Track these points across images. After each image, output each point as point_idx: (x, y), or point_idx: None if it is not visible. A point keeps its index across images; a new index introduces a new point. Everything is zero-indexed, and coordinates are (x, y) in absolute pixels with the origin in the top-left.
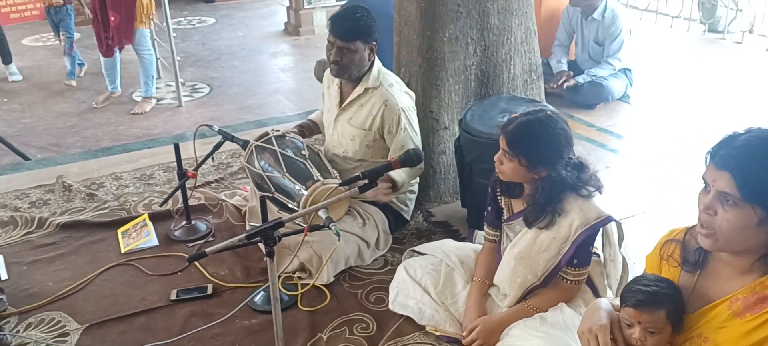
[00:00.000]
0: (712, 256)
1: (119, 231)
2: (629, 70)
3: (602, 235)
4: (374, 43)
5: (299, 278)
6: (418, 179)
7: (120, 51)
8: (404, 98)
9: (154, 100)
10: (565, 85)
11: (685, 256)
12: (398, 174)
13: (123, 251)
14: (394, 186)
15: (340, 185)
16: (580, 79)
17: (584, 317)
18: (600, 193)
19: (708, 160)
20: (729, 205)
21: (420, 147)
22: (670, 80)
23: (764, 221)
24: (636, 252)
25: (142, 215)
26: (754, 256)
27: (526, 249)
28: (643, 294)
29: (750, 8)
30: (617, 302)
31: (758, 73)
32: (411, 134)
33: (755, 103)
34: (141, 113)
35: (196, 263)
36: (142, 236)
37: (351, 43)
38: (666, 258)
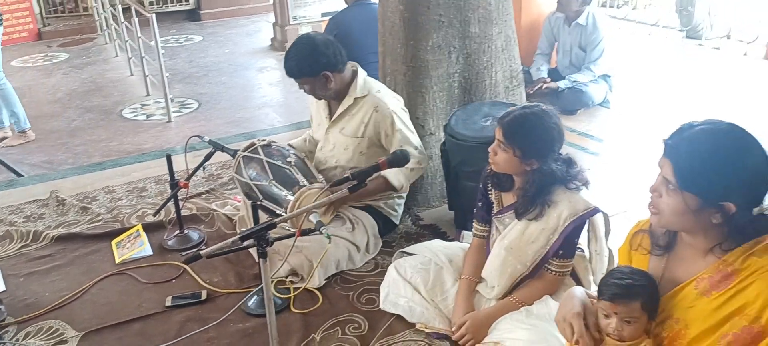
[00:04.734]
0: (679, 239)
1: (113, 242)
2: (609, 76)
3: (588, 230)
4: (325, 72)
5: (291, 282)
6: None
7: None
8: (393, 101)
9: (31, 134)
10: (544, 86)
11: (655, 242)
12: (394, 176)
13: (117, 261)
14: (393, 188)
15: (330, 186)
16: (562, 84)
17: (560, 306)
18: (587, 188)
19: (663, 146)
20: (670, 190)
21: (420, 145)
22: (649, 86)
23: (701, 208)
24: (616, 248)
25: (136, 225)
26: (711, 238)
27: (516, 240)
28: (618, 287)
29: (726, 14)
30: (595, 292)
31: (735, 77)
32: (407, 134)
33: (731, 107)
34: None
35: (189, 270)
36: (136, 246)
37: (299, 80)
38: (635, 248)
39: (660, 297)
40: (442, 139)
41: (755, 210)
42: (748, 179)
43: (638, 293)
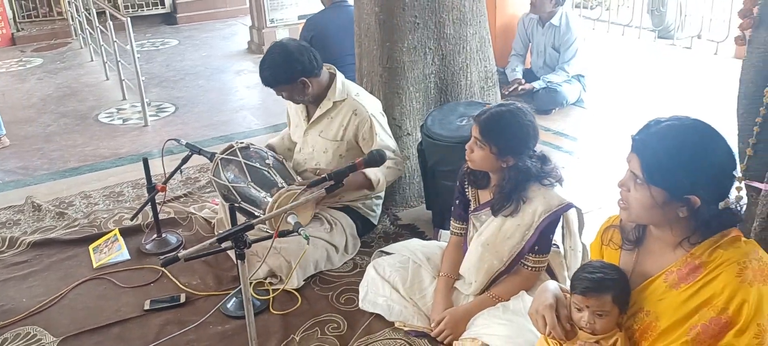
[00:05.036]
0: (648, 233)
1: (90, 247)
2: (582, 76)
3: (563, 226)
4: (302, 78)
5: (270, 283)
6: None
7: None
8: (372, 105)
9: (5, 140)
10: (520, 88)
11: (626, 236)
12: (372, 172)
13: (95, 265)
14: (370, 185)
15: (308, 186)
16: (536, 85)
17: (533, 299)
18: (560, 184)
19: (631, 142)
20: (637, 184)
21: (397, 148)
22: (622, 85)
23: (668, 202)
24: (589, 243)
25: (113, 230)
26: (678, 232)
27: (492, 236)
28: (589, 281)
29: (697, 14)
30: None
31: (706, 76)
32: (385, 138)
33: (700, 104)
34: None
35: (168, 273)
36: (113, 251)
37: (275, 89)
38: (607, 243)
39: (631, 291)
40: (419, 140)
41: (721, 204)
42: (713, 173)
43: (609, 287)
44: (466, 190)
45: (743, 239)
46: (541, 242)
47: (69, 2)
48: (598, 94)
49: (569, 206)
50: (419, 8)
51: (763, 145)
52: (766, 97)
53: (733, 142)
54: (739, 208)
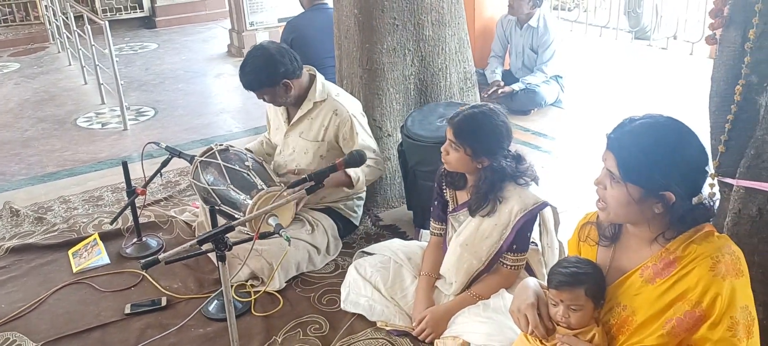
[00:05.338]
0: (624, 230)
1: (70, 252)
2: (560, 77)
3: (539, 224)
4: (285, 80)
5: (252, 285)
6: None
7: None
8: (352, 105)
9: None
10: (500, 91)
11: (602, 233)
12: (353, 170)
13: (75, 270)
14: (350, 183)
15: (288, 187)
16: (516, 87)
17: (514, 297)
18: (536, 183)
19: (606, 140)
20: (614, 182)
21: (377, 148)
22: (599, 86)
23: (644, 198)
24: (567, 240)
25: (93, 234)
26: (654, 228)
27: (471, 236)
28: (563, 275)
29: (673, 16)
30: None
31: (681, 76)
32: (365, 138)
33: (677, 104)
34: None
35: (148, 277)
36: (93, 255)
37: (258, 92)
38: (584, 239)
39: (607, 286)
40: (400, 141)
41: (694, 199)
42: (687, 169)
43: (582, 281)
44: (444, 191)
45: (716, 233)
46: (518, 240)
47: (46, 6)
48: (576, 95)
49: (545, 204)
50: (398, 10)
51: (734, 142)
52: (736, 95)
53: (706, 140)
54: (711, 203)
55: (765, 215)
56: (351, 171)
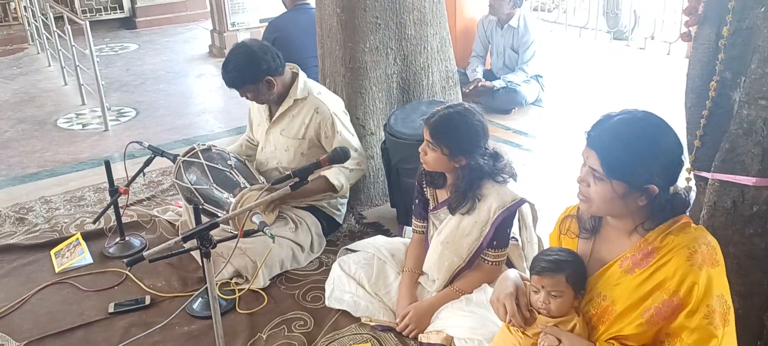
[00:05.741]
0: (604, 222)
1: (52, 252)
2: (540, 77)
3: (519, 219)
4: (268, 77)
5: (236, 283)
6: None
7: None
8: (334, 103)
9: None
10: (480, 85)
11: (583, 225)
12: (334, 176)
13: (57, 270)
14: (333, 188)
15: (272, 184)
16: (497, 83)
17: (495, 288)
18: (514, 180)
19: (586, 138)
20: (597, 178)
21: (360, 147)
22: (578, 85)
23: (628, 193)
24: (546, 235)
25: (75, 234)
26: (635, 220)
27: (451, 234)
28: (545, 262)
29: (650, 16)
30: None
31: (658, 75)
32: (347, 136)
33: (654, 102)
34: None
35: (132, 276)
36: (75, 255)
37: (241, 89)
38: (564, 232)
39: (588, 276)
40: (383, 139)
41: (670, 189)
42: (667, 161)
43: (563, 268)
44: (425, 190)
45: (693, 225)
46: (498, 237)
47: (25, 7)
48: (556, 94)
49: (522, 201)
50: (380, 9)
51: (709, 137)
52: (711, 91)
53: (682, 135)
54: (687, 195)
55: (739, 207)
56: (334, 180)
